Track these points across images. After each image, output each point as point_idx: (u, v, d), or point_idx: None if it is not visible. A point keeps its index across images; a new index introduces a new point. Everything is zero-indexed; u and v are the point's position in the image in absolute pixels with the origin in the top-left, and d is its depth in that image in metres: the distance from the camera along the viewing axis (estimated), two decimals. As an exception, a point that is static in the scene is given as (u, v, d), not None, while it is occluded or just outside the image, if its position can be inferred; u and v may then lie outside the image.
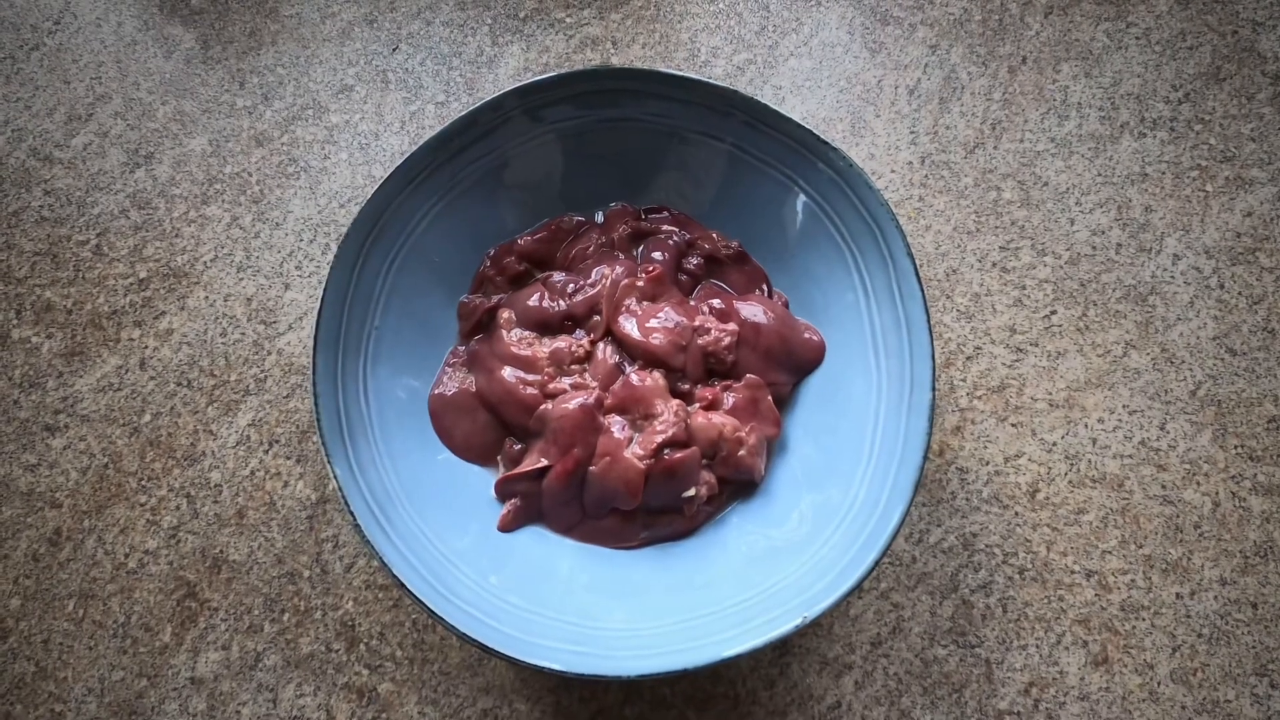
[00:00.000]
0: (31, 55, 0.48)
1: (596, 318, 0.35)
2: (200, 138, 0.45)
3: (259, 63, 0.47)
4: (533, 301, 0.35)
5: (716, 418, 0.33)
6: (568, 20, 0.47)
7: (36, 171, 0.45)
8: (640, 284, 0.35)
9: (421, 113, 0.45)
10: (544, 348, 0.34)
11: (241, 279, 0.42)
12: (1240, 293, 0.40)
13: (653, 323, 0.34)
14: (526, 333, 0.35)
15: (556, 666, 0.27)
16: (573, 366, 0.34)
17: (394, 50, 0.47)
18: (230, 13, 0.48)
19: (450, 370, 0.35)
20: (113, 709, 0.34)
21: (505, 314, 0.35)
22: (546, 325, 0.35)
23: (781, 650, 0.35)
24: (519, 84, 0.33)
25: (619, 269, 0.35)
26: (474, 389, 0.35)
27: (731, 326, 0.34)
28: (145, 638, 0.35)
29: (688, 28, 0.47)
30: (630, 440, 0.32)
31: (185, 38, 0.48)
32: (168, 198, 0.44)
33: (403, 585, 0.28)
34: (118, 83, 0.47)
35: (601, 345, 0.34)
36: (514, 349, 0.34)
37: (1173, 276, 0.40)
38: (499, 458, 0.35)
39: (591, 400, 0.32)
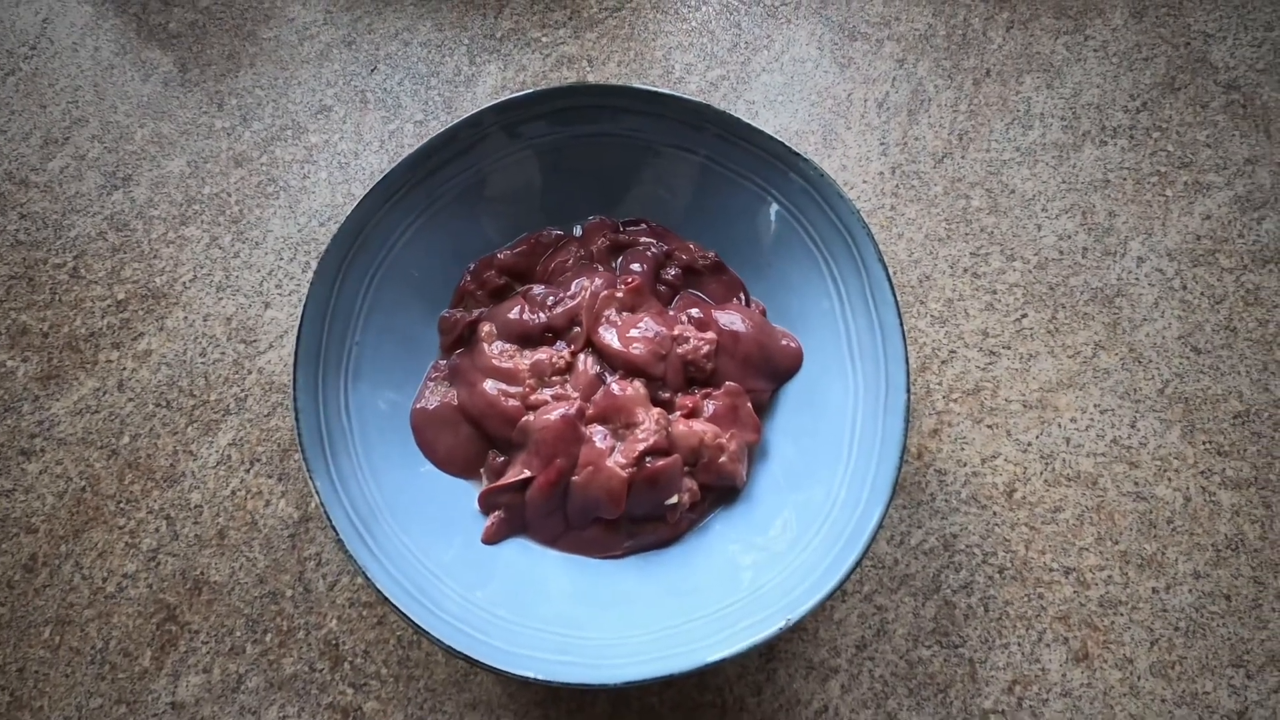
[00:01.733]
0: (7, 80, 0.47)
1: (577, 329, 0.35)
2: (179, 159, 0.45)
3: (237, 85, 0.47)
4: (513, 314, 0.36)
5: (697, 425, 0.33)
6: (544, 40, 0.48)
7: (12, 195, 0.44)
8: (619, 295, 0.35)
9: (400, 131, 0.46)
10: (525, 360, 0.35)
11: (221, 299, 0.42)
12: (1202, 293, 0.41)
13: (633, 333, 0.34)
14: (507, 345, 0.35)
15: (543, 677, 0.27)
16: (554, 378, 0.34)
17: (372, 71, 0.47)
18: (208, 36, 0.49)
19: (432, 384, 0.36)
20: (90, 737, 0.34)
21: (486, 327, 0.36)
22: (527, 338, 0.35)
23: (768, 656, 0.35)
24: (497, 101, 0.33)
25: (598, 281, 0.36)
26: (456, 402, 0.35)
27: (710, 335, 0.35)
28: (124, 663, 0.35)
29: (661, 46, 0.48)
30: (612, 450, 0.32)
31: (163, 61, 0.48)
32: (146, 219, 0.44)
33: (387, 599, 0.28)
34: (95, 106, 0.47)
35: (582, 356, 0.35)
36: (495, 362, 0.34)
37: (1137, 279, 0.42)
38: (482, 470, 0.35)
39: (573, 411, 0.33)
